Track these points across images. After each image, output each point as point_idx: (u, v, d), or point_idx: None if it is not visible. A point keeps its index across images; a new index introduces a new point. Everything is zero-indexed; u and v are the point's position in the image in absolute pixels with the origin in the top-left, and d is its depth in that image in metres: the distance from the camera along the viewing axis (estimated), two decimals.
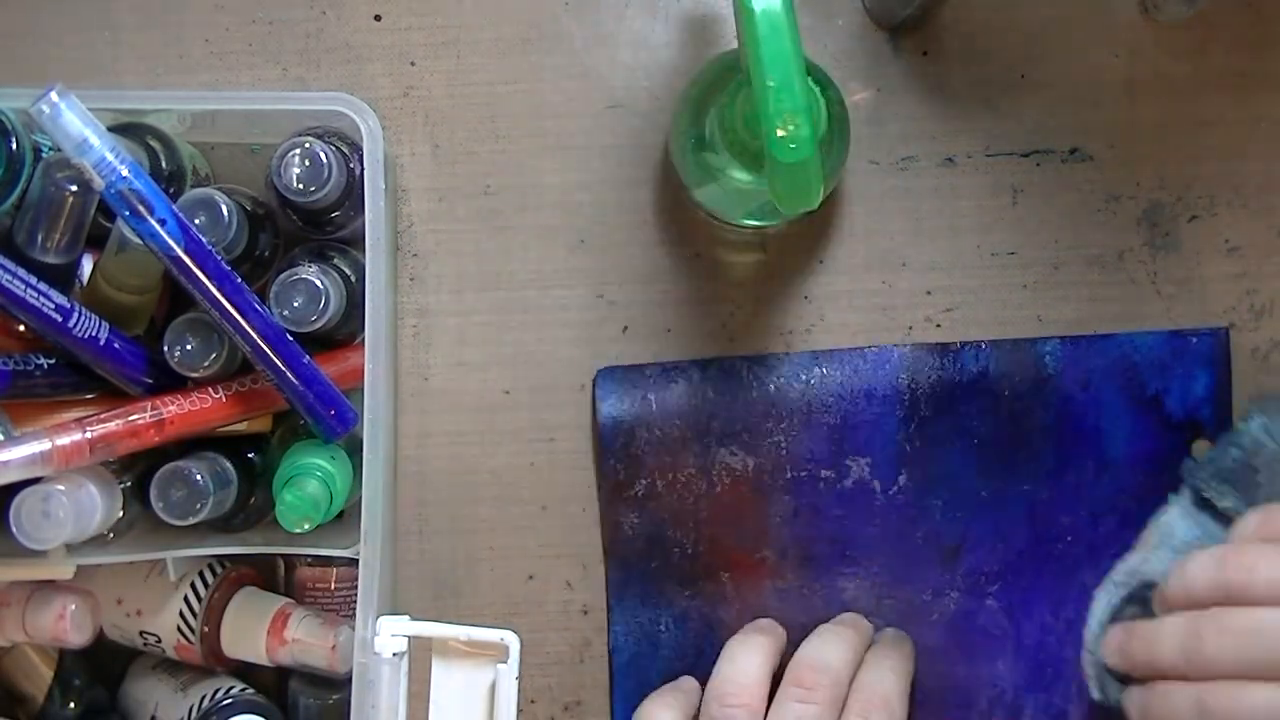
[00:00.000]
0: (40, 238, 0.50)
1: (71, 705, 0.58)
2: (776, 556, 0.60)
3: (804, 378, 0.60)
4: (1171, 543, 0.57)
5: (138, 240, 0.49)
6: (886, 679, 0.56)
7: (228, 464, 0.53)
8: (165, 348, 0.52)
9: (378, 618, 0.50)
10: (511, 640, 0.51)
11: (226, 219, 0.52)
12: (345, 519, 0.56)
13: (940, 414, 0.60)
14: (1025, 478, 0.60)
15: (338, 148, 0.52)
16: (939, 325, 0.61)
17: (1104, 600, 0.57)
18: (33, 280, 0.49)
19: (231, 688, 0.57)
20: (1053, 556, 0.60)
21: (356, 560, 0.51)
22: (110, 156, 0.47)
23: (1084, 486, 0.60)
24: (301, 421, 0.54)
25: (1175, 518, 0.57)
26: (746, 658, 0.56)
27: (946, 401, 0.60)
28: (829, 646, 0.57)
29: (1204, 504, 0.57)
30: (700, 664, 0.59)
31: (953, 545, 0.60)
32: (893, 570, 0.60)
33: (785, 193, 0.49)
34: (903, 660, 0.58)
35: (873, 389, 0.60)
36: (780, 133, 0.47)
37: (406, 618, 0.51)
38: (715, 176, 0.55)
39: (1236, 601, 0.46)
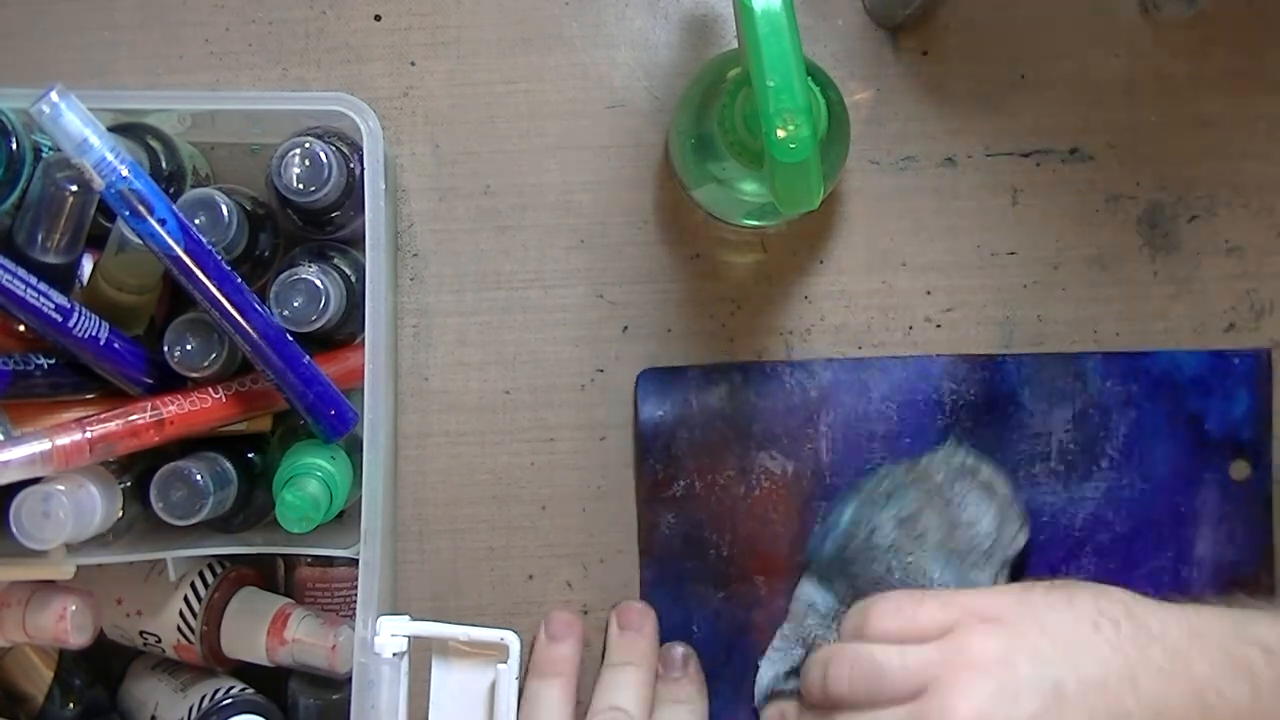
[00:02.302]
0: (40, 238, 0.50)
1: (71, 705, 0.58)
2: None
3: (846, 385, 0.60)
4: (817, 611, 0.59)
5: (138, 240, 0.49)
6: (631, 690, 0.57)
7: (228, 464, 0.53)
8: (165, 348, 0.52)
9: (378, 618, 0.50)
10: (511, 640, 0.51)
11: (226, 219, 0.52)
12: (345, 519, 0.56)
13: (980, 425, 0.60)
14: (1064, 491, 0.60)
15: (338, 148, 0.52)
16: (939, 325, 0.61)
17: (768, 670, 0.59)
18: (33, 280, 0.49)
19: (231, 688, 0.57)
20: (1088, 571, 0.60)
21: (356, 560, 0.51)
22: (110, 156, 0.47)
23: (1122, 502, 0.60)
24: (301, 421, 0.54)
25: (811, 590, 0.59)
26: (548, 704, 0.57)
27: (987, 413, 0.60)
28: (621, 691, 0.57)
29: (825, 576, 0.59)
30: (730, 665, 0.60)
31: None
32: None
33: (785, 193, 0.49)
34: (699, 698, 0.59)
35: (914, 398, 0.60)
36: (780, 133, 0.47)
37: (406, 618, 0.51)
38: (715, 176, 0.55)
39: (837, 705, 0.52)
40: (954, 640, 0.50)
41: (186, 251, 0.49)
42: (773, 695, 0.59)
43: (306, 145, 0.51)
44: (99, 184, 0.47)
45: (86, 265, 0.54)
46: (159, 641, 0.57)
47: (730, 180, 0.55)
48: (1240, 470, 0.60)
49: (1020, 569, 0.59)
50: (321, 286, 0.52)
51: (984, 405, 0.60)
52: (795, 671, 0.58)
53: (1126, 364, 0.60)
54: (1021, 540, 0.58)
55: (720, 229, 0.61)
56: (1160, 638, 0.49)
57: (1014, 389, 0.60)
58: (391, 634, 0.50)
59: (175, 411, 0.51)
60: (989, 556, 0.57)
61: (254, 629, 0.56)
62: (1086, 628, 0.50)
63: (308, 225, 0.55)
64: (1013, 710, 0.48)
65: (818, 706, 0.54)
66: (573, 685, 0.58)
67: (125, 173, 0.47)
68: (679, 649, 0.60)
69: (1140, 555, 0.60)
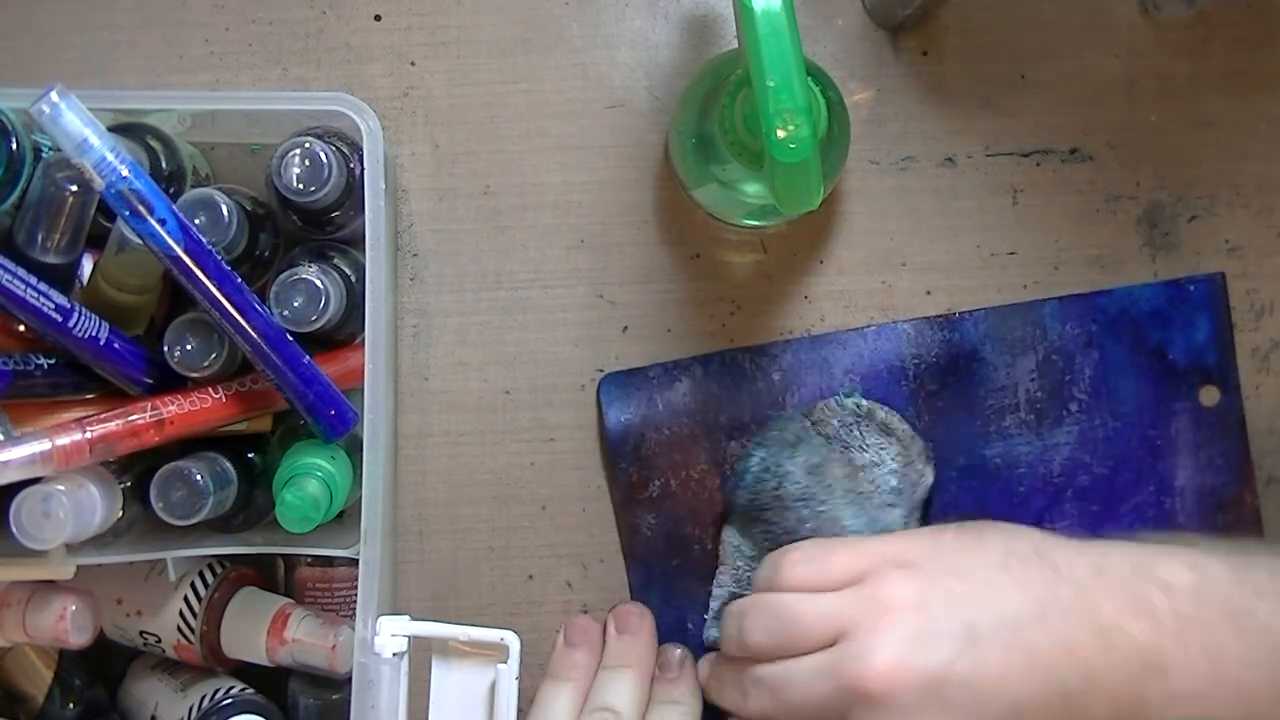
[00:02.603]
0: (40, 238, 0.50)
1: (71, 705, 0.58)
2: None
3: (807, 364, 0.60)
4: (743, 554, 0.59)
5: (138, 240, 0.49)
6: (623, 691, 0.58)
7: (228, 464, 0.53)
8: (165, 348, 0.52)
9: (378, 618, 0.50)
10: (511, 640, 0.51)
11: (226, 219, 0.52)
12: (345, 519, 0.56)
13: (946, 385, 0.60)
14: (1037, 440, 0.60)
15: (338, 148, 0.52)
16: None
17: (711, 624, 0.60)
18: (33, 280, 0.49)
19: (231, 688, 0.57)
20: (1073, 515, 0.60)
21: (356, 560, 0.51)
22: (110, 156, 0.47)
23: (1096, 443, 0.60)
24: (301, 421, 0.54)
25: (734, 536, 0.60)
26: (559, 708, 0.57)
27: (951, 372, 0.60)
28: (616, 693, 0.57)
29: (744, 523, 0.59)
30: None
31: (970, 514, 0.60)
32: None
33: (785, 193, 0.49)
34: (692, 698, 0.59)
35: (877, 367, 0.60)
36: (780, 133, 0.47)
37: (406, 618, 0.51)
38: (715, 177, 0.55)
39: (756, 656, 0.53)
40: (868, 587, 0.51)
41: (186, 251, 0.49)
42: (712, 647, 0.60)
43: (306, 145, 0.51)
44: (99, 184, 0.47)
45: (86, 265, 0.54)
46: (159, 641, 0.57)
47: (730, 180, 0.55)
48: (1210, 395, 0.60)
49: (927, 508, 0.60)
50: (321, 286, 0.52)
51: (947, 366, 0.60)
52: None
53: (1083, 305, 0.60)
54: (929, 478, 0.59)
55: (720, 229, 0.61)
56: (1068, 577, 0.50)
57: (974, 345, 0.60)
58: (391, 634, 0.50)
59: (175, 411, 0.51)
60: (899, 495, 0.58)
61: (254, 629, 0.56)
62: (996, 569, 0.51)
63: (308, 225, 0.55)
64: (929, 653, 0.49)
65: (736, 658, 0.55)
66: (584, 691, 0.58)
67: (125, 173, 0.47)
68: (676, 651, 0.60)
69: (1122, 493, 0.60)
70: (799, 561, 0.54)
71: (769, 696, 0.52)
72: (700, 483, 0.60)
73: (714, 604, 0.60)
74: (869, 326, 0.60)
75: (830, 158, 0.55)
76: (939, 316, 0.61)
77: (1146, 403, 0.60)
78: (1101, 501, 0.60)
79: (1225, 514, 0.60)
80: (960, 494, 0.60)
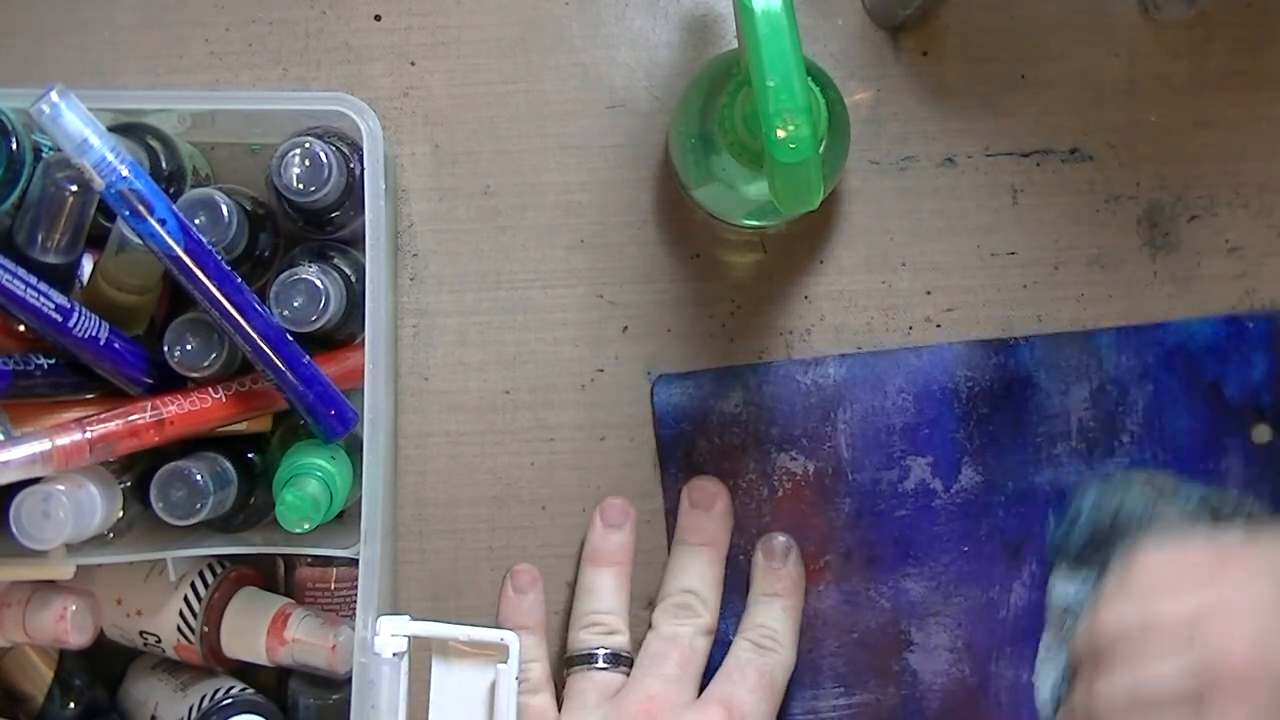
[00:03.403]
0: (40, 238, 0.50)
1: (71, 705, 0.58)
2: (840, 560, 0.60)
3: (860, 380, 0.60)
4: (1073, 613, 0.59)
5: (138, 240, 0.49)
6: (778, 619, 0.58)
7: (228, 464, 0.53)
8: (165, 348, 0.52)
9: (378, 618, 0.50)
10: (511, 640, 0.51)
11: (226, 219, 0.52)
12: (345, 519, 0.56)
13: (998, 410, 0.60)
14: (1088, 469, 0.60)
15: (338, 148, 0.52)
16: (939, 325, 0.61)
17: (1044, 684, 0.59)
18: (33, 280, 0.49)
19: (231, 688, 0.57)
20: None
21: (356, 560, 0.51)
22: (110, 156, 0.47)
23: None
24: (301, 421, 0.54)
25: (1063, 586, 0.59)
26: (605, 591, 0.58)
27: (1004, 397, 0.60)
28: (692, 573, 0.58)
29: (1077, 565, 0.59)
30: None
31: (1017, 541, 0.60)
32: (958, 569, 0.60)
33: (785, 193, 0.49)
34: (796, 592, 0.59)
35: (929, 388, 0.60)
36: (780, 133, 0.47)
37: (406, 618, 0.51)
38: (716, 176, 0.55)
39: (1109, 656, 0.51)
40: (1224, 581, 0.49)
41: (186, 251, 0.49)
42: (1059, 705, 0.59)
43: (306, 145, 0.51)
44: (99, 184, 0.47)
45: (86, 265, 0.54)
46: (159, 641, 0.57)
47: (730, 180, 0.55)
48: (1262, 434, 0.60)
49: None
50: (321, 286, 0.52)
51: (1000, 390, 0.60)
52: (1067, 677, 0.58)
53: (1140, 337, 0.60)
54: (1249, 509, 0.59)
55: (720, 229, 0.61)
56: None
57: (1029, 372, 0.60)
58: (391, 634, 0.50)
59: (175, 411, 0.51)
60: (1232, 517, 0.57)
61: (254, 629, 0.56)
62: None
63: (308, 225, 0.55)
64: None
65: (1087, 662, 0.52)
66: (629, 573, 0.59)
67: (125, 173, 0.47)
68: (781, 538, 0.59)
69: None
70: (1155, 564, 0.51)
71: None
72: (747, 493, 0.60)
73: (1041, 668, 0.59)
74: (924, 346, 0.60)
75: (830, 158, 0.55)
76: (994, 340, 0.60)
77: (1199, 437, 0.60)
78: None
79: None
80: (1008, 519, 0.60)
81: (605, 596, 0.58)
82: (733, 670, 0.57)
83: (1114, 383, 0.60)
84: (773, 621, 0.58)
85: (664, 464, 0.60)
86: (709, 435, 0.60)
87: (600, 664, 0.57)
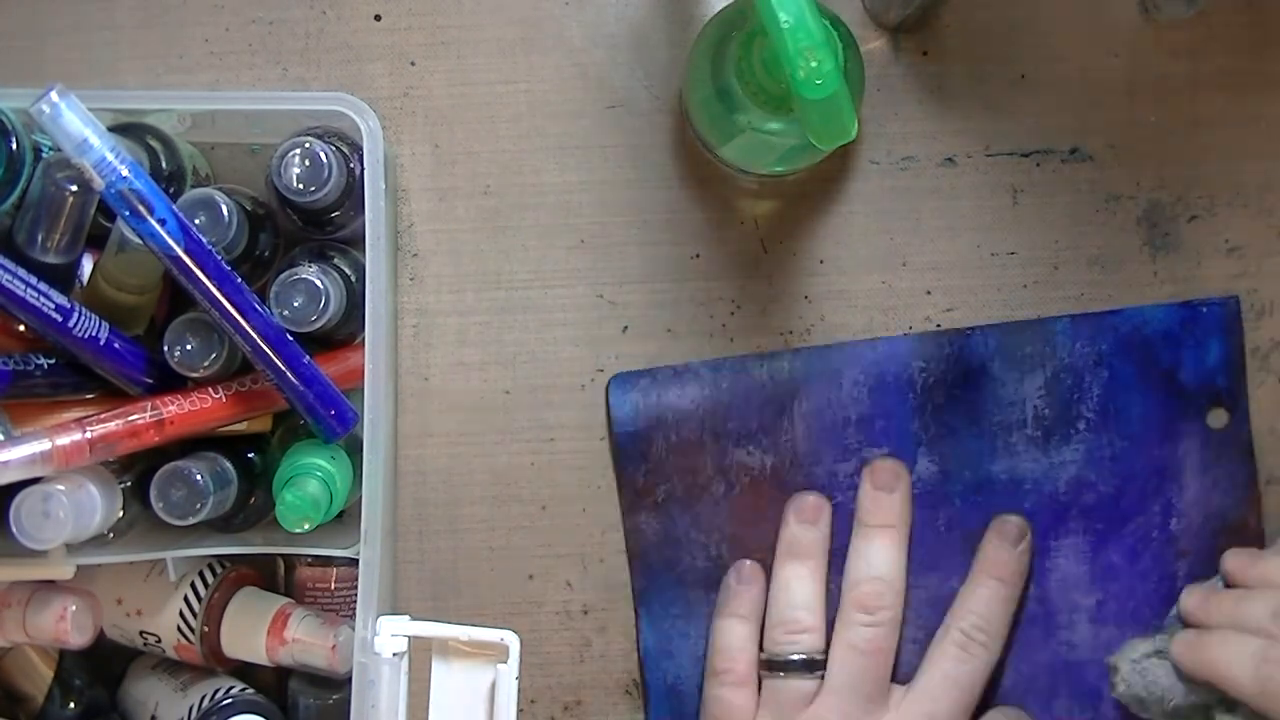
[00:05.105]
0: (40, 238, 0.50)
1: (71, 705, 0.58)
2: None
3: (816, 373, 0.60)
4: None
5: (138, 240, 0.49)
6: (993, 608, 0.58)
7: (228, 464, 0.53)
8: (165, 348, 0.52)
9: (378, 618, 0.50)
10: (511, 640, 0.51)
11: (226, 219, 0.52)
12: (345, 519, 0.56)
13: (953, 400, 0.60)
14: (1044, 457, 0.60)
15: (338, 148, 0.52)
16: (939, 325, 0.61)
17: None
18: (33, 280, 0.49)
19: (231, 688, 0.57)
20: (1078, 533, 0.60)
21: (356, 560, 0.51)
22: (110, 156, 0.47)
23: (1104, 462, 0.60)
24: (301, 421, 0.54)
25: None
26: (801, 586, 0.58)
27: (959, 387, 0.60)
28: (879, 558, 0.58)
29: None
30: None
31: (976, 530, 0.60)
32: (918, 559, 0.60)
33: (820, 129, 0.48)
34: (1014, 588, 0.59)
35: (884, 380, 0.60)
36: (803, 72, 0.46)
37: (406, 618, 0.51)
38: (740, 129, 0.55)
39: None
40: None
41: (186, 251, 0.49)
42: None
43: (306, 145, 0.51)
44: (99, 184, 0.47)
45: (86, 265, 0.54)
46: (159, 641, 0.57)
47: (757, 130, 0.54)
48: (1218, 418, 0.60)
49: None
50: (321, 286, 0.52)
51: (955, 380, 0.60)
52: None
53: (1094, 324, 0.60)
54: None
55: (720, 229, 0.61)
56: None
57: (983, 361, 0.60)
58: (391, 634, 0.50)
59: (175, 411, 0.51)
60: None
61: (254, 629, 0.56)
62: None
63: (308, 225, 0.55)
64: None
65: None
66: (824, 569, 0.59)
67: (125, 173, 0.47)
68: (1015, 519, 0.59)
69: (1127, 512, 0.60)
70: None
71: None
72: (705, 489, 0.60)
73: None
74: (878, 339, 0.60)
75: (851, 86, 0.54)
76: (948, 330, 0.60)
77: (1154, 423, 0.60)
78: (1106, 520, 0.60)
79: (1229, 537, 0.60)
80: (965, 509, 0.60)
81: (799, 592, 0.58)
82: (936, 684, 0.57)
83: (1068, 370, 0.60)
84: (986, 609, 0.58)
85: (622, 463, 0.60)
86: (665, 433, 0.60)
87: (793, 672, 0.57)
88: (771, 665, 0.58)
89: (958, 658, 0.57)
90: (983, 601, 0.58)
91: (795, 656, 0.57)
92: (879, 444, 0.60)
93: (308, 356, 0.52)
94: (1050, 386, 0.60)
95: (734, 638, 0.58)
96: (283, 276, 0.52)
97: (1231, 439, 0.60)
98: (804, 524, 0.59)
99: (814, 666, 0.57)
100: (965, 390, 0.60)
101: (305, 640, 0.56)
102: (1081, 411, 0.60)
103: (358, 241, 0.53)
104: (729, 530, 0.60)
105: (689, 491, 0.60)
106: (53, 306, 0.49)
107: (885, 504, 0.59)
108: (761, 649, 0.59)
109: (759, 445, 0.60)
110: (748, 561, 0.60)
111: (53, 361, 0.52)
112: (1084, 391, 0.60)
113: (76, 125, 0.46)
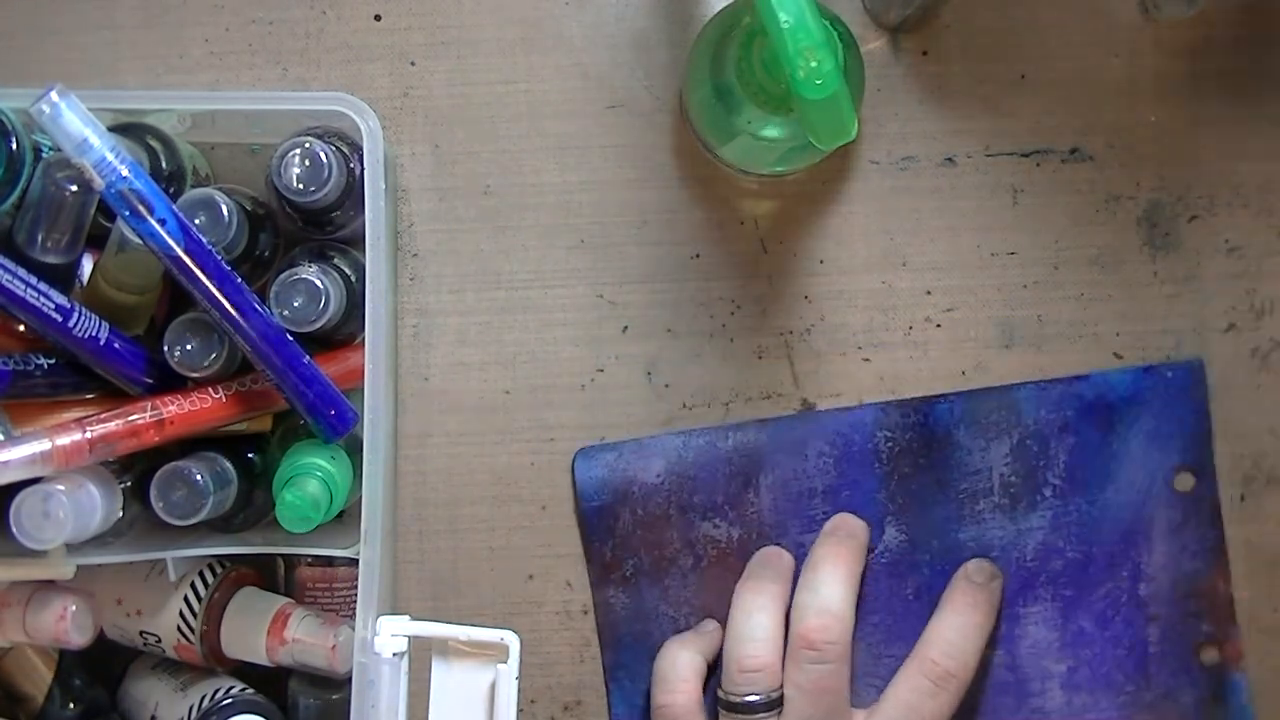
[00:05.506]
0: (40, 238, 0.50)
1: (71, 705, 0.58)
2: None
3: (782, 444, 0.60)
4: None
5: (138, 240, 0.49)
6: (964, 635, 0.57)
7: (228, 464, 0.53)
8: (165, 348, 0.52)
9: (378, 618, 0.50)
10: (511, 640, 0.51)
11: (226, 219, 0.52)
12: (345, 519, 0.56)
13: (919, 469, 0.60)
14: (1011, 524, 0.60)
15: (338, 148, 0.52)
16: (939, 325, 0.61)
17: None
18: (33, 280, 0.49)
19: (231, 688, 0.57)
20: (1047, 600, 0.60)
21: (356, 560, 0.51)
22: (110, 156, 0.47)
23: (1070, 528, 0.60)
24: (301, 421, 0.54)
25: None
26: (759, 617, 0.57)
27: (924, 456, 0.60)
28: (827, 589, 0.57)
29: None
30: None
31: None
32: (887, 629, 0.60)
33: (821, 129, 0.48)
34: (986, 618, 0.58)
35: (849, 450, 0.60)
36: (803, 72, 0.46)
37: (406, 618, 0.51)
38: (740, 129, 0.55)
39: None
40: None
41: (186, 251, 0.49)
42: None
43: (306, 145, 0.51)
44: (99, 184, 0.47)
45: (86, 265, 0.54)
46: (159, 641, 0.57)
47: (756, 130, 0.54)
48: (1184, 482, 0.60)
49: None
50: (321, 286, 0.52)
51: (920, 449, 0.60)
52: None
53: (1059, 391, 0.60)
54: None
55: (720, 228, 0.61)
56: None
57: (948, 429, 0.60)
58: (391, 634, 0.50)
59: (175, 411, 0.51)
60: None
61: (254, 629, 0.56)
62: None
63: (308, 225, 0.55)
64: None
65: None
66: (783, 601, 0.58)
67: (125, 173, 0.47)
68: (986, 563, 0.59)
69: (1095, 578, 0.60)
70: None
71: None
72: (673, 562, 0.60)
73: None
74: (841, 410, 0.60)
75: (851, 85, 0.54)
76: (912, 399, 0.60)
77: (1121, 488, 0.60)
78: (1075, 586, 0.60)
79: (1199, 600, 0.60)
80: (934, 578, 0.60)
81: (758, 625, 0.57)
82: (899, 714, 0.56)
83: (1034, 437, 0.60)
84: (957, 636, 0.57)
85: (589, 537, 0.60)
86: (632, 507, 0.60)
87: (750, 714, 0.56)
88: (730, 706, 0.57)
89: (920, 688, 0.57)
90: (953, 629, 0.58)
91: (751, 698, 0.56)
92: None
93: (308, 356, 0.52)
94: (1016, 453, 0.60)
95: (678, 666, 0.58)
96: (283, 276, 0.52)
97: (1198, 502, 0.60)
98: (764, 565, 0.59)
99: (771, 706, 0.56)
100: (931, 459, 0.60)
101: (305, 640, 0.56)
102: (1048, 478, 0.60)
103: (358, 241, 0.53)
104: (698, 603, 0.60)
105: (656, 565, 0.60)
106: (53, 306, 0.49)
107: (834, 542, 0.59)
108: (720, 687, 0.58)
109: (725, 518, 0.60)
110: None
111: (53, 361, 0.52)
112: (1050, 458, 0.60)
113: (76, 125, 0.46)
